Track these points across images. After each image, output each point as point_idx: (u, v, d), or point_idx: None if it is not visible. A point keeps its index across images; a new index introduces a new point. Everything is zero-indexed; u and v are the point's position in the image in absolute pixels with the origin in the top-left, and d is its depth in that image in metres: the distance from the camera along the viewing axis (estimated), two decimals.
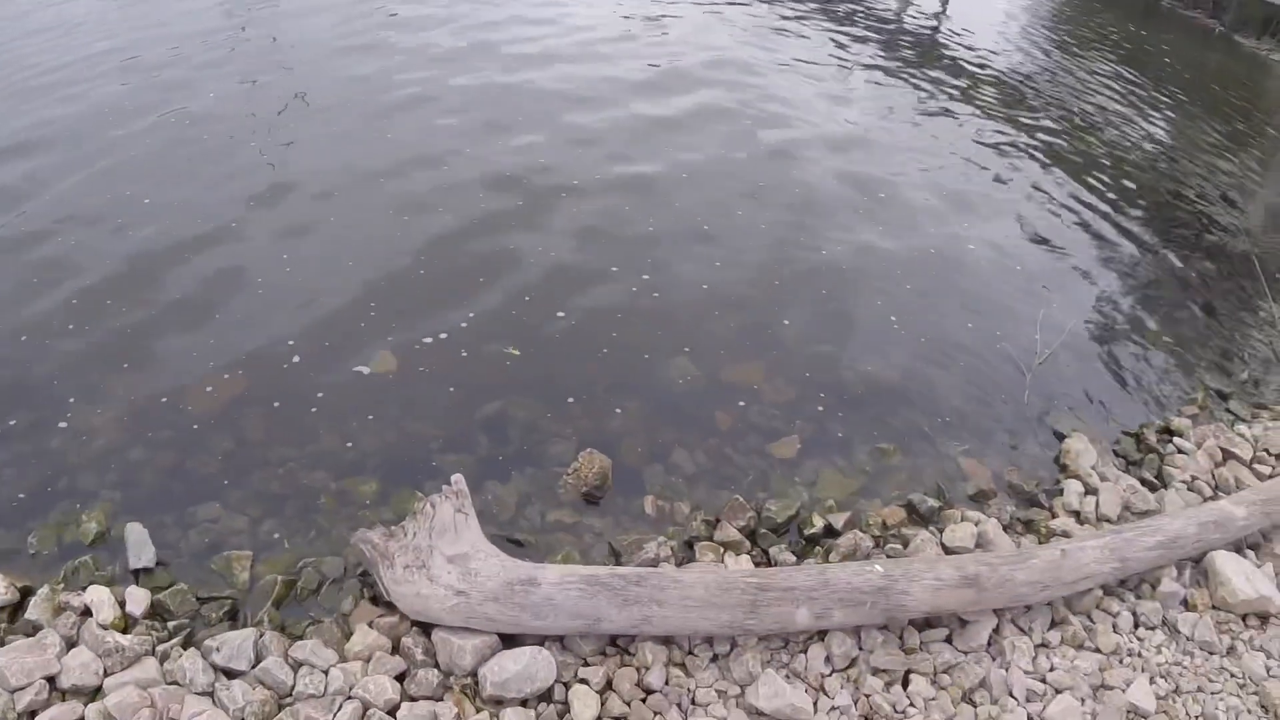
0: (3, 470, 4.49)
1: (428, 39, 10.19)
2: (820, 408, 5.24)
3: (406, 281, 5.98)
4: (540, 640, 3.74)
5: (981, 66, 12.43)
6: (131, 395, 4.94)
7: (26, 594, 3.82)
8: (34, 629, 3.66)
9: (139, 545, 4.06)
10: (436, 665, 3.70)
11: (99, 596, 3.76)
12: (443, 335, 5.46)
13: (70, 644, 3.60)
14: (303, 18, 10.60)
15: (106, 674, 3.51)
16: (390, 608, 3.83)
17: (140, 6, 10.80)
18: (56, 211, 6.37)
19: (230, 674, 3.57)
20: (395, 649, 3.76)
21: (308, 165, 7.27)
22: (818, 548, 4.42)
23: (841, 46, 12.17)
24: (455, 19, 10.92)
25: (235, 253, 6.11)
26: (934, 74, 11.70)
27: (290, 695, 3.55)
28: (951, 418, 5.35)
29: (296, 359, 5.22)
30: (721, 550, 4.30)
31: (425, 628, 3.78)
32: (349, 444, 4.73)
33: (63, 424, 4.72)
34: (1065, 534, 4.55)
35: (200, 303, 5.61)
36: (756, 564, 4.24)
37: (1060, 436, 5.36)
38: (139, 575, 3.99)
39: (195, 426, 4.77)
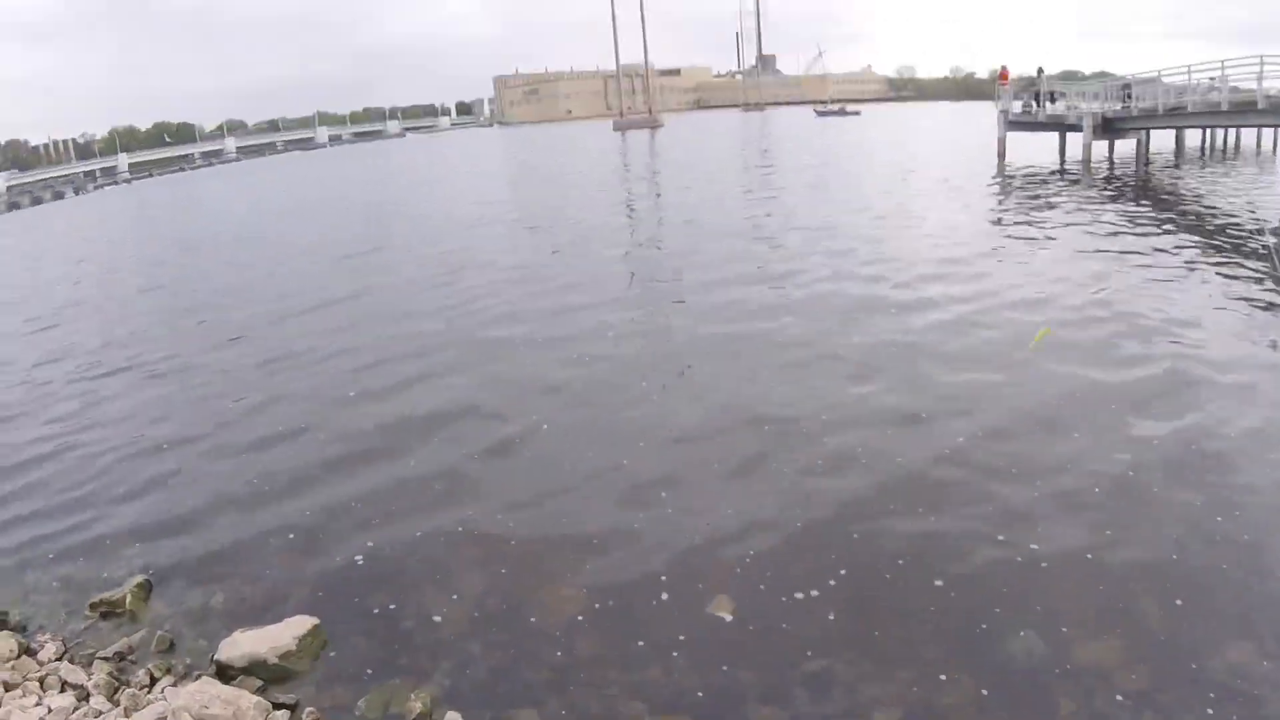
0: (356, 635, 5.04)
1: None
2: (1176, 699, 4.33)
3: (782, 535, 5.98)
4: None
5: None
6: (483, 591, 5.43)
7: None
8: None
9: None
10: None
11: None
12: (797, 595, 5.33)
13: None
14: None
15: None
16: None
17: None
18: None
19: None
20: None
21: (718, 415, 7.96)
22: None
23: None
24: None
25: (635, 490, 6.65)
26: None
27: None
28: None
29: (663, 594, 5.39)
30: None
31: None
32: (671, 677, 4.71)
33: (418, 608, 5.29)
34: None
35: (584, 527, 6.15)
36: None
37: None
38: None
39: (534, 633, 5.01)
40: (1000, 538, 5.72)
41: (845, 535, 5.92)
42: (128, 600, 5.53)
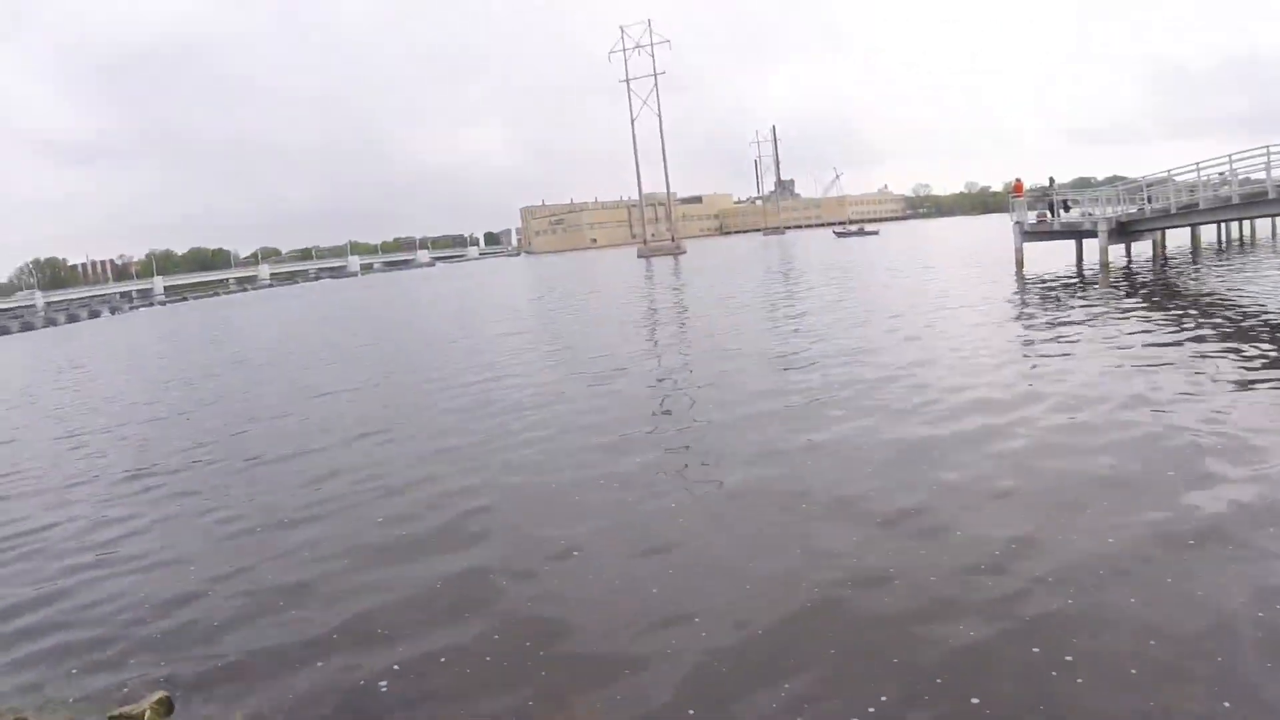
0: None
1: None
2: None
3: None
4: None
5: None
6: (506, 714, 5.21)
7: None
8: None
9: None
10: None
11: None
12: None
13: None
14: None
15: None
16: None
17: None
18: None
19: None
20: None
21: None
22: None
23: None
24: None
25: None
26: None
27: None
28: None
29: None
30: None
31: None
32: None
33: None
34: None
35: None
36: None
37: None
38: None
39: None
40: None
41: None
42: (146, 715, 5.47)
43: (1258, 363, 12.80)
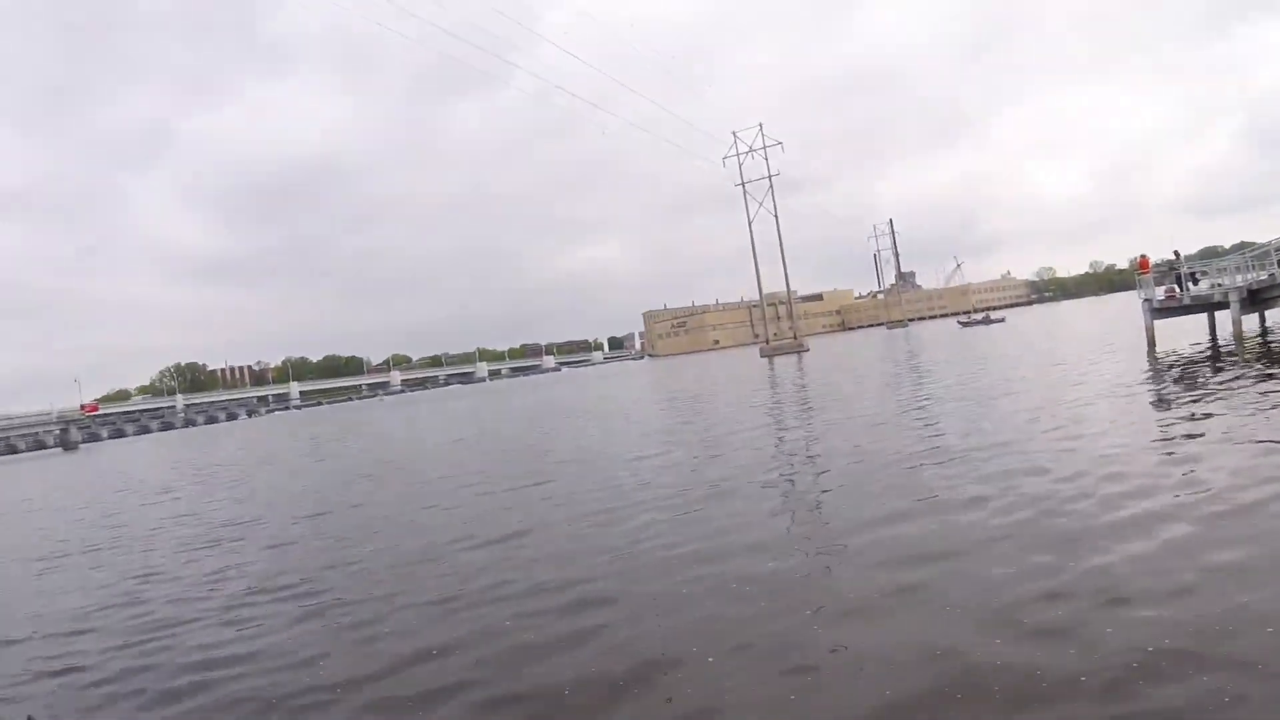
0: None
1: None
2: None
3: None
4: None
5: None
6: None
7: None
8: None
9: None
10: None
11: None
12: None
13: None
14: None
15: None
16: None
17: None
18: None
19: None
20: None
21: None
22: None
23: None
24: None
25: None
26: None
27: None
28: None
29: None
30: None
31: None
32: None
33: None
34: None
35: None
36: None
37: None
38: None
39: None
40: None
41: None
42: None
43: None
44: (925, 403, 26.92)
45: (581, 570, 10.99)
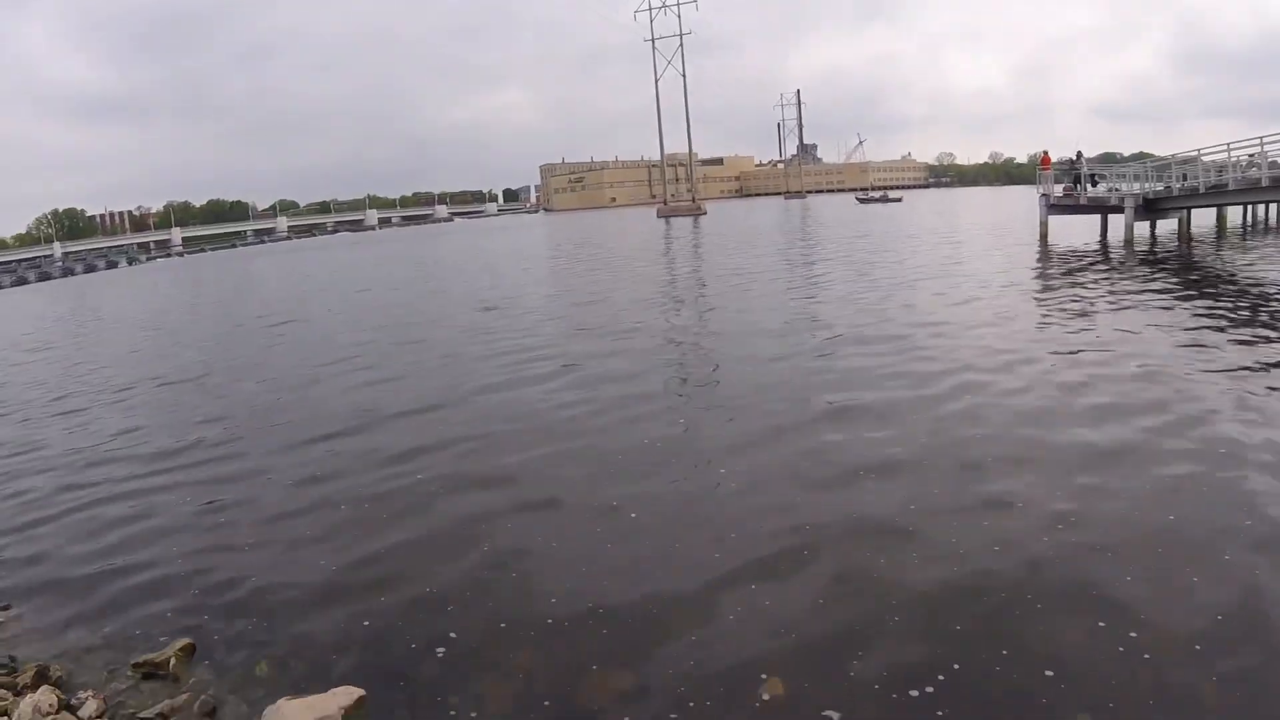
0: (401, 708, 4.93)
1: None
2: None
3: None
4: None
5: None
6: (531, 671, 5.25)
7: None
8: None
9: None
10: None
11: None
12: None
13: None
14: None
15: None
16: None
17: None
18: None
19: None
20: None
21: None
22: None
23: None
24: None
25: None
26: None
27: None
28: None
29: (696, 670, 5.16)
30: None
31: None
32: None
33: (463, 682, 5.12)
34: None
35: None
36: None
37: None
38: None
39: (585, 714, 4.81)
40: None
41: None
42: (171, 663, 5.51)
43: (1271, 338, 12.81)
44: (816, 270, 26.83)
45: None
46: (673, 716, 4.71)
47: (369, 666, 5.37)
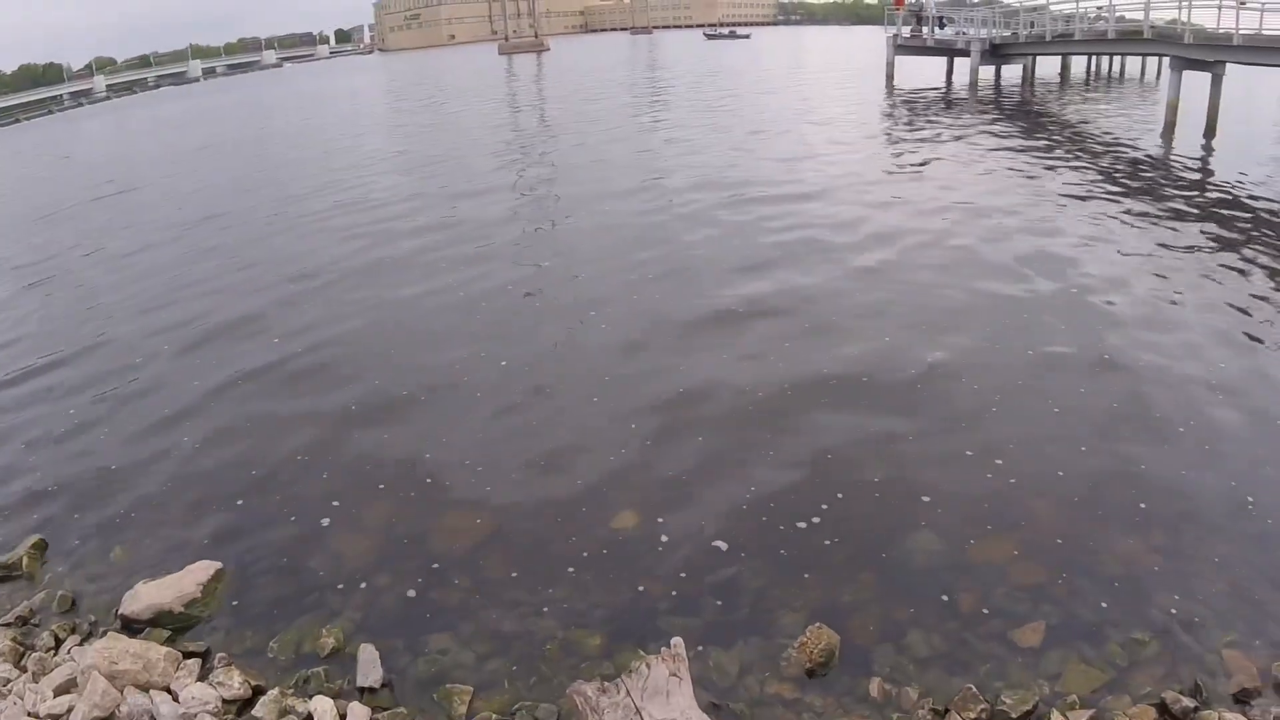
0: (261, 576, 5.08)
1: None
2: (1070, 591, 4.74)
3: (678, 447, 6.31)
4: None
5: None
6: (388, 520, 5.52)
7: (258, 693, 4.16)
8: None
9: (369, 665, 4.29)
10: None
11: (323, 706, 3.99)
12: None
13: None
14: None
15: None
16: None
17: None
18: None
19: None
20: None
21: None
22: None
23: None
24: None
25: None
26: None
27: None
28: (1219, 605, 4.61)
29: (549, 509, 5.61)
30: None
31: None
32: (582, 595, 4.87)
33: (320, 543, 5.35)
34: None
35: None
36: None
37: None
38: (364, 693, 4.20)
39: (441, 560, 5.15)
40: None
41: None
42: (24, 562, 5.37)
43: (1091, 175, 14.00)
44: (662, 110, 26.67)
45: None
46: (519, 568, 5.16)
47: (223, 539, 5.47)
